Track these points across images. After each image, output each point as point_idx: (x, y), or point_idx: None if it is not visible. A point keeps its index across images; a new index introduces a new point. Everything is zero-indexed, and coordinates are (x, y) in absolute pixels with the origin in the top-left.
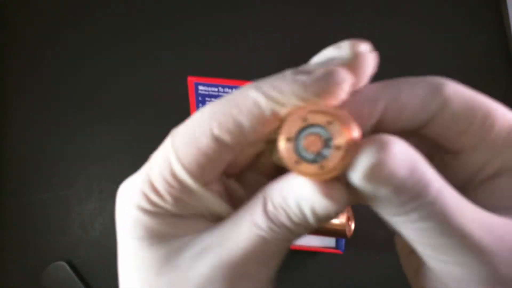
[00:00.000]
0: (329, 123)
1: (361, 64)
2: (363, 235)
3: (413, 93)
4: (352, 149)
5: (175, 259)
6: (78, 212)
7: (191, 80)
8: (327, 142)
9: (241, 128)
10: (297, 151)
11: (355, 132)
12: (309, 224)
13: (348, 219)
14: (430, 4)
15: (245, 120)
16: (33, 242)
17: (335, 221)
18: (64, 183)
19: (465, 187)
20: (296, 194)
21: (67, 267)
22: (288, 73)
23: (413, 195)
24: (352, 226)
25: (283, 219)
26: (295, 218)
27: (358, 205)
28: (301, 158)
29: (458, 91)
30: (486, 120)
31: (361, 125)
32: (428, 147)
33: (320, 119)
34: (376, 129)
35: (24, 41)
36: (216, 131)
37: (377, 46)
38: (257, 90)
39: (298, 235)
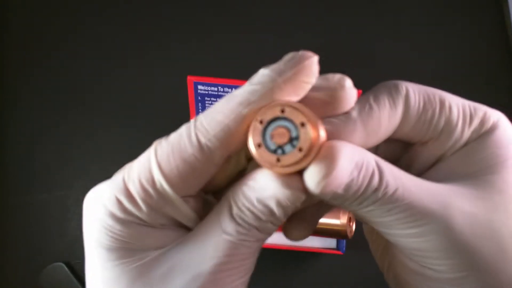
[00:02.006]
0: (303, 124)
1: (345, 98)
2: (364, 236)
3: (380, 106)
4: (311, 155)
5: (147, 275)
6: (77, 212)
7: (191, 79)
8: (292, 140)
9: (227, 130)
10: (263, 135)
11: (320, 140)
12: (277, 219)
13: (350, 220)
14: (431, 3)
15: (229, 121)
16: (31, 243)
17: (336, 221)
18: (62, 183)
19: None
20: (259, 192)
21: (66, 268)
22: (260, 71)
23: (358, 194)
24: (353, 227)
25: (250, 219)
26: (261, 216)
27: None
28: (263, 143)
29: (412, 88)
30: (444, 104)
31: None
32: (399, 146)
33: (296, 116)
34: None
35: (24, 41)
36: (203, 139)
37: (378, 46)
38: (236, 91)
39: (267, 233)
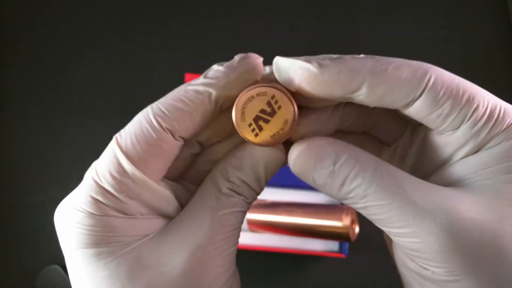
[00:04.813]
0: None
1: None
2: (367, 239)
3: (396, 73)
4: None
5: (143, 260)
6: None
7: (189, 77)
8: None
9: (187, 116)
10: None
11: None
12: (260, 184)
13: (352, 222)
14: None
15: (190, 109)
16: (26, 245)
17: (339, 224)
18: (56, 184)
19: (445, 164)
20: (249, 159)
21: (61, 271)
22: (214, 66)
23: (344, 179)
24: (356, 229)
25: (240, 189)
26: (251, 183)
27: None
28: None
29: (441, 77)
30: (469, 102)
31: (340, 90)
32: (410, 125)
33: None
34: (354, 104)
35: (14, 42)
36: (164, 124)
37: (383, 41)
38: (191, 84)
39: (251, 201)
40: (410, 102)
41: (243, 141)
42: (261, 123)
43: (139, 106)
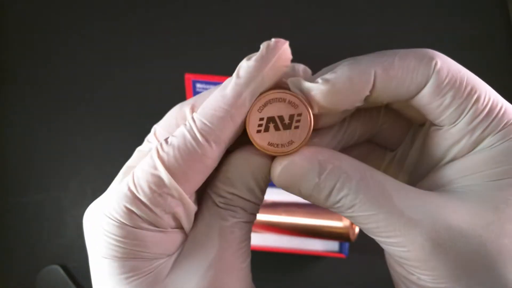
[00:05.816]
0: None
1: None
2: (368, 239)
3: (403, 64)
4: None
5: (163, 281)
6: (73, 214)
7: (189, 77)
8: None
9: (231, 125)
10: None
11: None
12: (255, 193)
13: (352, 222)
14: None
15: (231, 116)
16: (26, 245)
17: (339, 224)
18: (58, 184)
19: (441, 162)
20: (237, 173)
21: (61, 271)
22: (243, 63)
23: (329, 190)
24: (356, 229)
25: (235, 202)
26: (243, 195)
27: None
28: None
29: (447, 65)
30: (470, 96)
31: (356, 95)
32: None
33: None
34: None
35: (18, 42)
36: (209, 138)
37: (381, 36)
38: (226, 89)
39: (252, 212)
40: (420, 90)
41: (237, 151)
42: (270, 125)
43: (139, 106)
